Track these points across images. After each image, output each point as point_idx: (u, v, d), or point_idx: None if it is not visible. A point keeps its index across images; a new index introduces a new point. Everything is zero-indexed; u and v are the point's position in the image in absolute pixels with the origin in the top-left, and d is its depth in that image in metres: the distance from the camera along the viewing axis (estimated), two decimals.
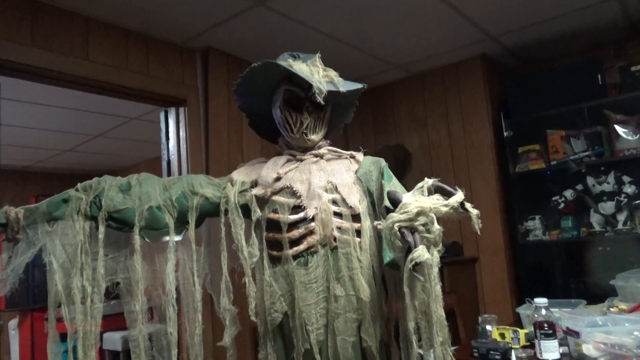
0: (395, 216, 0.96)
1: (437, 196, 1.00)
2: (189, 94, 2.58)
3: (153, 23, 2.34)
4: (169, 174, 2.61)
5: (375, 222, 1.11)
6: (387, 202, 1.06)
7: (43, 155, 4.74)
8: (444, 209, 0.96)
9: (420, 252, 0.91)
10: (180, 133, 2.58)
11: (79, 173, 5.77)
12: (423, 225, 0.95)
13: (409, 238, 0.94)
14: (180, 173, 2.55)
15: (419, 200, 0.97)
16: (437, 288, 1.00)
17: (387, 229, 0.98)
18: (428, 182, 1.03)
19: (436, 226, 0.96)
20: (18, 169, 5.32)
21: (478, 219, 0.99)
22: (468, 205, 0.98)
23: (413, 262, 0.92)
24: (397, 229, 0.95)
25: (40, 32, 2.04)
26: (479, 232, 1.00)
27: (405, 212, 0.95)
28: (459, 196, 0.98)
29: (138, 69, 2.38)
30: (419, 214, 0.95)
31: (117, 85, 2.30)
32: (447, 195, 1.00)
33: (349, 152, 1.34)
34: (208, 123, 2.60)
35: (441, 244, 1.00)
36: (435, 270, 0.98)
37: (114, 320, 3.97)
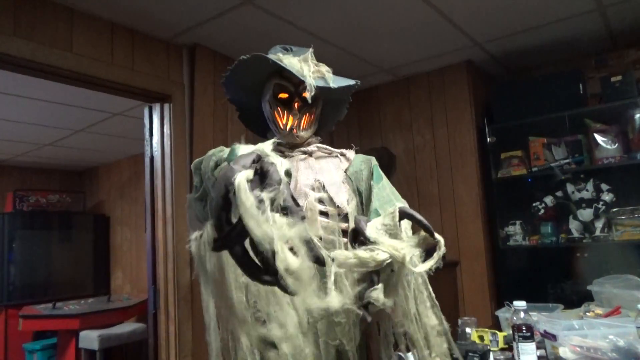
0: (373, 256, 0.92)
1: (412, 240, 0.97)
2: (175, 90, 2.56)
3: (140, 17, 2.31)
4: (152, 171, 2.58)
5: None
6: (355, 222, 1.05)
7: (22, 149, 4.64)
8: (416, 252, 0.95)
9: (378, 294, 0.90)
10: (165, 129, 2.55)
11: (59, 168, 5.66)
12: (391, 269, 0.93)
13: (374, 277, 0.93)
14: (163, 170, 2.53)
15: (391, 246, 0.93)
16: (427, 295, 1.00)
17: (360, 265, 0.93)
18: (396, 210, 1.00)
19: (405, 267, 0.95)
20: None
21: (442, 249, 0.98)
22: (439, 239, 0.98)
23: (367, 300, 0.91)
24: (372, 269, 0.93)
25: (23, 22, 2.00)
26: (439, 267, 0.98)
27: (375, 259, 0.91)
28: (441, 248, 0.96)
29: (123, 64, 2.35)
30: (390, 262, 0.92)
31: (102, 79, 2.26)
32: (417, 223, 0.98)
33: (339, 150, 1.31)
34: (193, 120, 2.58)
35: (420, 250, 0.99)
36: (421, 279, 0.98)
37: (91, 319, 3.92)
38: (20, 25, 1.99)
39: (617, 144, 2.72)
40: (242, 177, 0.67)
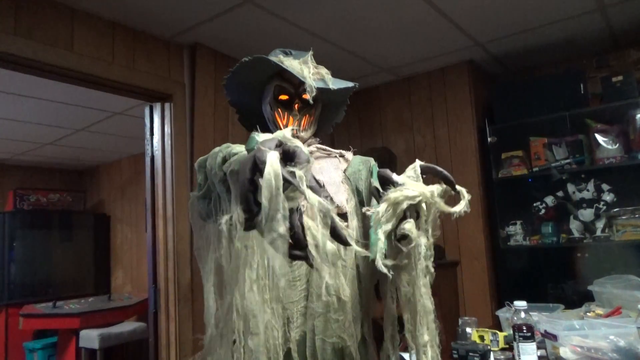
0: (404, 193, 0.96)
1: (435, 186, 1.02)
2: (175, 89, 2.56)
3: (140, 16, 2.31)
4: (152, 170, 2.58)
5: (364, 209, 1.10)
6: (376, 183, 1.07)
7: (23, 147, 4.64)
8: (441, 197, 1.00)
9: (411, 226, 0.93)
10: (165, 129, 2.55)
11: (60, 167, 5.67)
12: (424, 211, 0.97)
13: (408, 214, 0.96)
14: (164, 169, 2.53)
15: (419, 186, 0.98)
16: (425, 281, 1.01)
17: (393, 202, 0.97)
18: (417, 164, 1.05)
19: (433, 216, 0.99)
20: None
21: (468, 203, 1.02)
22: (461, 189, 1.02)
23: (401, 233, 0.93)
24: (406, 206, 0.96)
25: (24, 21, 2.00)
26: (467, 211, 1.02)
27: (406, 195, 0.96)
28: (465, 196, 1.01)
29: (124, 63, 2.35)
30: (417, 204, 0.96)
31: (102, 79, 2.26)
32: (438, 175, 1.02)
33: (338, 151, 1.33)
34: (193, 120, 2.58)
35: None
36: (422, 261, 0.99)
37: (92, 318, 3.93)
38: (21, 24, 1.99)
39: (618, 144, 2.71)
40: (274, 156, 0.68)
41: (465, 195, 1.02)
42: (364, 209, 1.12)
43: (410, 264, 0.98)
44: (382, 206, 0.97)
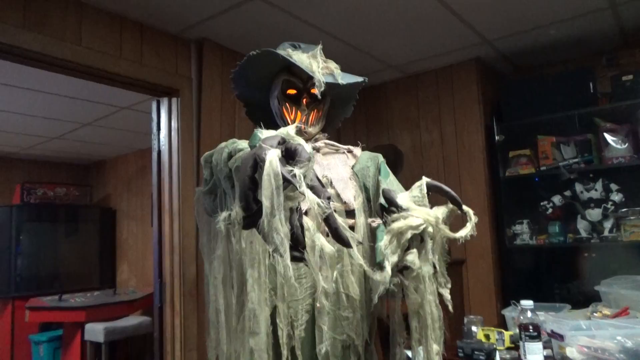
0: (407, 222, 0.95)
1: (441, 210, 1.00)
2: (183, 84, 2.56)
3: (148, 11, 2.31)
4: (159, 165, 2.59)
5: (370, 220, 1.09)
6: (382, 200, 1.05)
7: (30, 141, 4.67)
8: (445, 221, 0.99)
9: (414, 257, 0.92)
10: (172, 124, 2.55)
11: (66, 161, 5.70)
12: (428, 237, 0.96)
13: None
14: (170, 164, 2.53)
15: (423, 212, 0.96)
16: (433, 288, 1.00)
17: (397, 233, 0.96)
18: (424, 182, 1.03)
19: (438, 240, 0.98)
20: (3, 155, 5.23)
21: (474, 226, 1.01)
22: (467, 210, 1.00)
23: (403, 265, 0.92)
24: (410, 236, 0.95)
25: (32, 14, 2.00)
26: (473, 234, 1.01)
27: (409, 225, 0.95)
28: (472, 218, 1.00)
29: (131, 57, 2.35)
30: (421, 232, 0.95)
31: (110, 73, 2.27)
32: (444, 195, 1.01)
33: (346, 147, 1.31)
34: (200, 115, 2.58)
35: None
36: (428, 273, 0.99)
37: (97, 311, 3.95)
38: (30, 18, 1.99)
39: (627, 144, 2.69)
40: (274, 154, 0.67)
41: (472, 218, 1.01)
42: (369, 220, 1.11)
43: (419, 277, 0.97)
44: (386, 238, 0.96)
